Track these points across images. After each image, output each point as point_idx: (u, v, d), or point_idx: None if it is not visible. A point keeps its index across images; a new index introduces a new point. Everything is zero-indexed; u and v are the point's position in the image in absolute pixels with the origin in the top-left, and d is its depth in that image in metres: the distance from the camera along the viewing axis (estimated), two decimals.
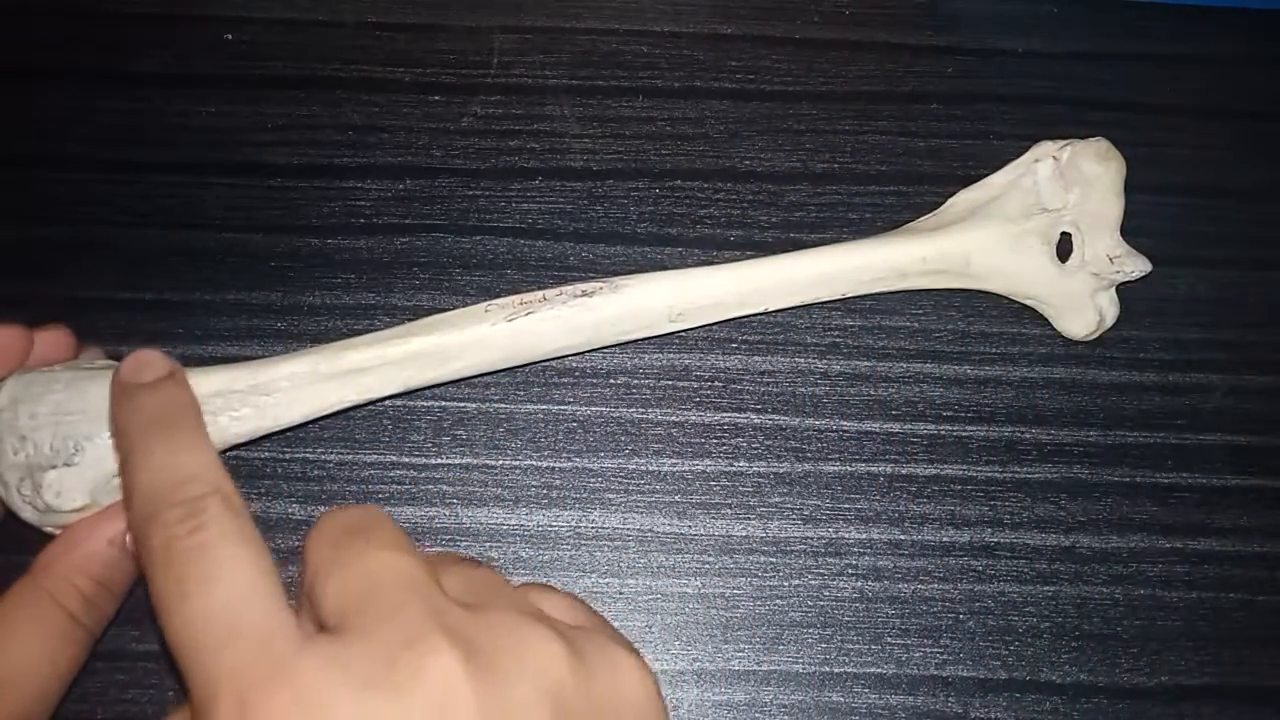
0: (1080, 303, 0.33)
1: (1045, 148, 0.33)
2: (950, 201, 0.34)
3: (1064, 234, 0.33)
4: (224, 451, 0.28)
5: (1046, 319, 0.34)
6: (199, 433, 0.24)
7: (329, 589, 0.20)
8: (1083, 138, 0.33)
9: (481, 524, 0.31)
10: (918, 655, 0.31)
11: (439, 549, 0.24)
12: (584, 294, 0.30)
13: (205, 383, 0.28)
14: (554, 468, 0.32)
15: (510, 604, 0.21)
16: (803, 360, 0.33)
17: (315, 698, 0.18)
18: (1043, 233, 0.32)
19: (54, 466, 0.26)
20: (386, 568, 0.20)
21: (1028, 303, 0.33)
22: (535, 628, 0.20)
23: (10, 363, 0.27)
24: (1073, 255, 0.33)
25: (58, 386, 0.27)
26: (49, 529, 0.27)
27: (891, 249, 0.32)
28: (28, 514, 0.27)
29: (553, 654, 0.20)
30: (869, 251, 0.32)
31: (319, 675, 0.18)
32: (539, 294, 0.30)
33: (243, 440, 0.28)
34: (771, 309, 0.32)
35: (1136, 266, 0.32)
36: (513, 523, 0.32)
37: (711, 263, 0.34)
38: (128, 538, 0.27)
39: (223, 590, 0.20)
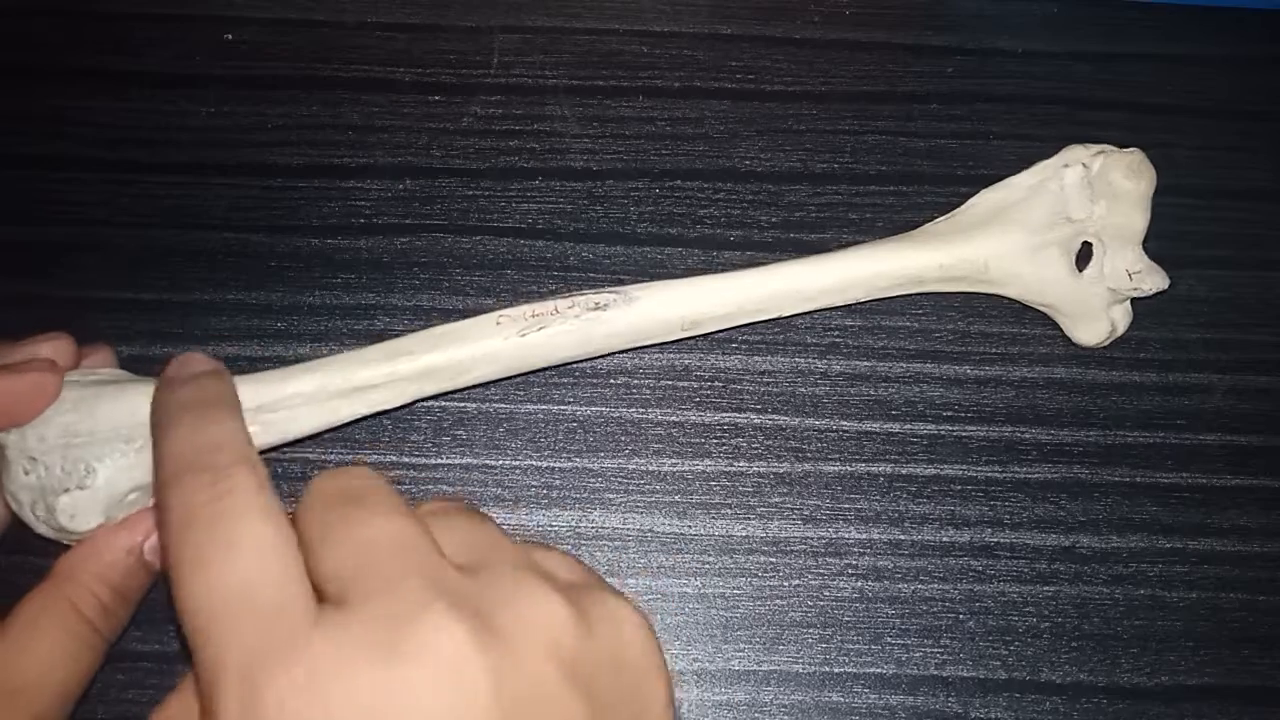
0: (1094, 313, 0.32)
1: (1076, 153, 0.32)
2: (971, 201, 0.33)
3: (1085, 243, 0.32)
4: None
5: (1048, 319, 0.34)
6: (232, 412, 0.24)
7: (326, 557, 0.20)
8: (1116, 143, 0.32)
9: None
10: (918, 655, 0.31)
11: (438, 499, 0.23)
12: (597, 306, 0.29)
13: None
14: (554, 468, 0.32)
15: (508, 560, 0.21)
16: (803, 360, 0.33)
17: (326, 674, 0.18)
18: (1064, 243, 0.32)
19: (67, 490, 0.26)
20: (383, 534, 0.20)
21: (1041, 309, 0.33)
22: (534, 585, 0.20)
23: (48, 399, 0.27)
24: (1091, 265, 0.32)
25: (65, 407, 0.26)
26: (64, 541, 0.27)
27: (910, 256, 0.31)
28: (43, 530, 0.27)
29: (553, 610, 0.20)
30: (887, 258, 0.31)
31: (329, 651, 0.18)
32: (551, 304, 0.29)
33: None
34: (785, 315, 0.31)
35: (1155, 283, 0.32)
36: (513, 523, 0.32)
37: (713, 263, 0.34)
38: (145, 547, 0.27)
39: (242, 560, 0.20)
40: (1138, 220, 0.32)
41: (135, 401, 0.27)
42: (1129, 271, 0.32)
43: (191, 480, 0.21)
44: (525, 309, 0.29)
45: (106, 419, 0.26)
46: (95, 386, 0.27)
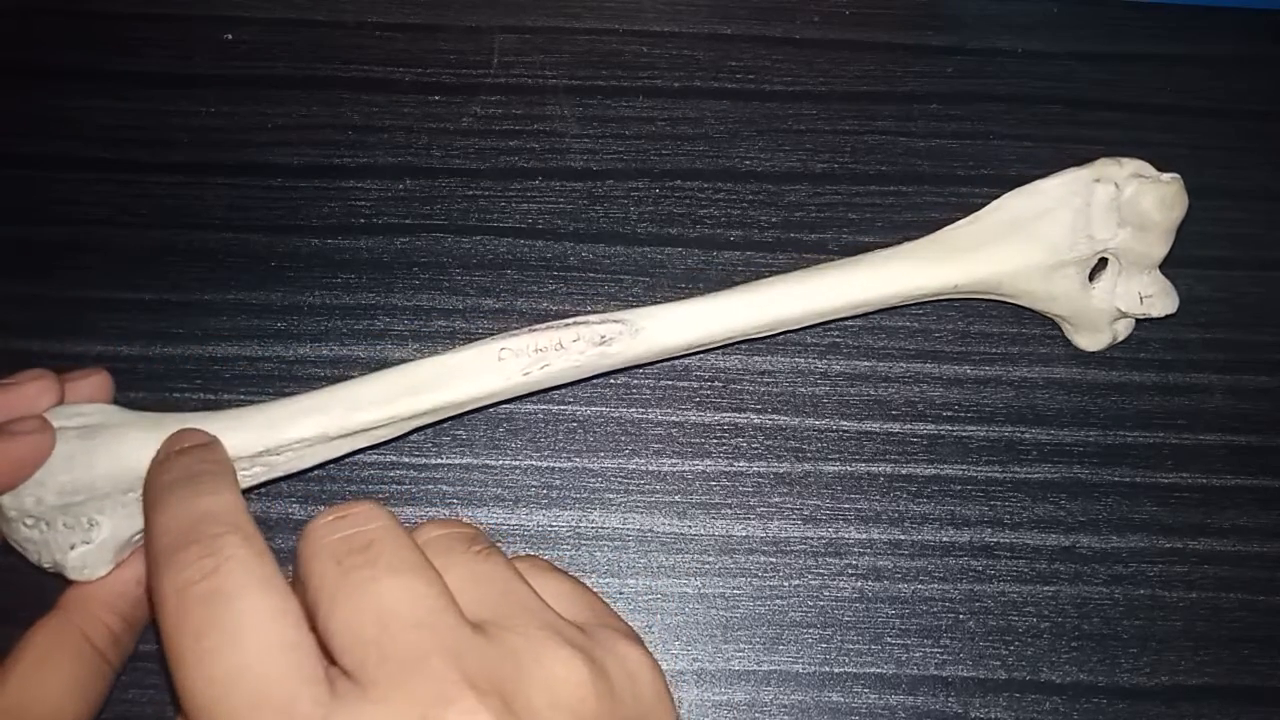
0: (1099, 325, 0.32)
1: (1110, 170, 0.31)
2: (994, 205, 0.31)
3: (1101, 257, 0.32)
4: None
5: (1049, 320, 0.34)
6: (223, 481, 0.23)
7: (338, 621, 0.19)
8: (1120, 149, 0.31)
9: (481, 524, 0.31)
10: (918, 655, 0.31)
11: (438, 521, 0.23)
12: (603, 341, 0.29)
13: None
14: (554, 468, 0.32)
15: (525, 613, 0.21)
16: (803, 360, 0.33)
17: None
18: (1081, 261, 0.31)
19: (73, 546, 0.26)
20: (397, 599, 0.19)
21: (1046, 316, 0.33)
22: (556, 648, 0.20)
23: (42, 460, 0.26)
24: (1103, 280, 0.32)
25: (57, 467, 0.26)
26: None
27: (924, 275, 0.31)
28: (49, 570, 0.27)
29: (578, 678, 0.19)
30: (901, 278, 0.31)
31: None
32: (555, 337, 0.29)
33: (254, 488, 0.28)
34: (793, 330, 0.31)
35: (1164, 307, 0.32)
36: (513, 523, 0.32)
37: (712, 263, 0.34)
38: None
39: (245, 647, 0.19)
40: (1160, 249, 0.31)
41: (129, 451, 0.26)
42: (1141, 295, 0.32)
43: (182, 556, 0.20)
44: (528, 340, 0.29)
45: (104, 473, 0.26)
46: (86, 439, 0.26)
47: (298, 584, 0.21)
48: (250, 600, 0.19)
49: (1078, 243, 0.31)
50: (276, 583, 0.20)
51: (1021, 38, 0.37)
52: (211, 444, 0.25)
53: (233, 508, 0.21)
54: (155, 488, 0.23)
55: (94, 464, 0.26)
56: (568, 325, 0.29)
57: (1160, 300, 0.32)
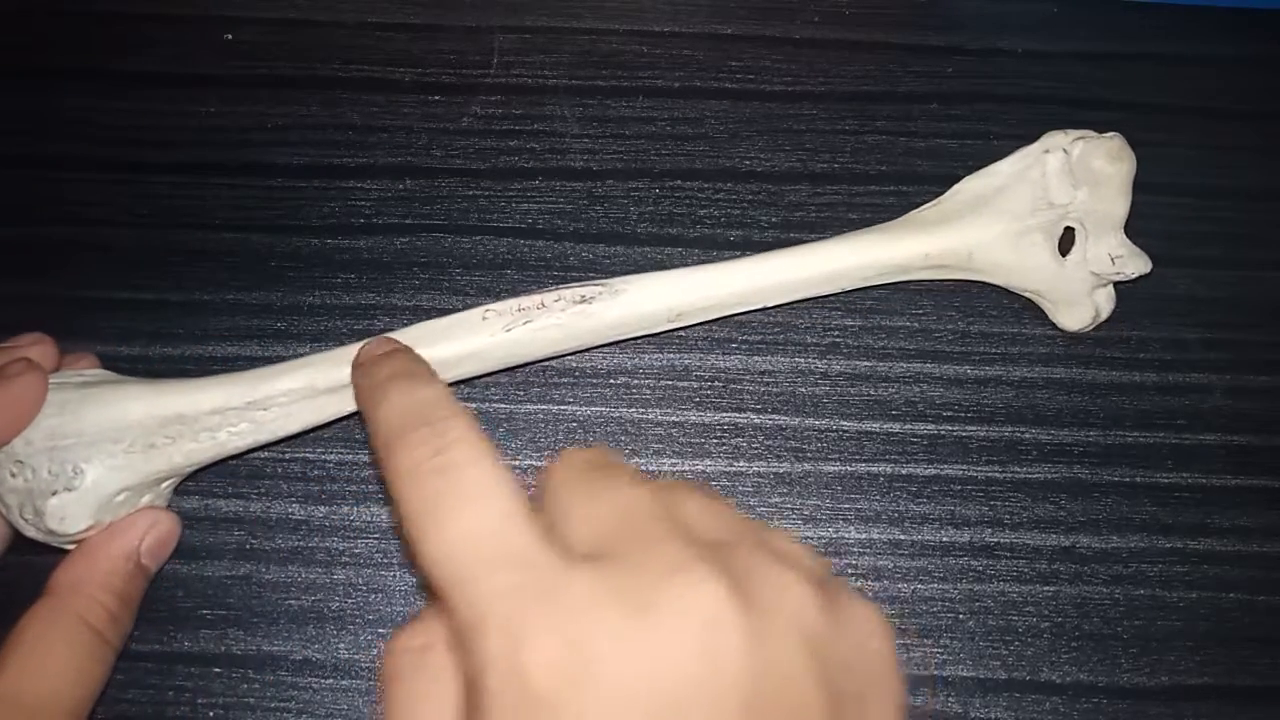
0: (1078, 298, 0.33)
1: (1056, 139, 0.32)
2: (954, 189, 0.33)
3: (1067, 227, 0.33)
4: (223, 461, 0.29)
5: (1047, 318, 0.34)
6: (434, 378, 0.24)
7: (579, 517, 0.20)
8: (1096, 130, 0.32)
9: None
10: (918, 655, 0.31)
11: (671, 479, 0.23)
12: (583, 299, 0.30)
13: (202, 400, 0.27)
14: None
15: (758, 540, 0.21)
16: (803, 360, 0.33)
17: (587, 619, 0.18)
18: (1046, 229, 0.32)
19: (55, 493, 0.26)
20: (640, 500, 0.20)
21: (1025, 295, 0.33)
22: (787, 569, 0.20)
23: (37, 404, 0.27)
24: (1074, 251, 0.32)
25: (50, 410, 0.26)
26: (55, 544, 0.27)
27: (893, 246, 0.32)
28: (32, 533, 0.27)
29: (806, 597, 0.20)
30: (871, 249, 0.32)
31: (589, 597, 0.18)
32: (537, 299, 0.30)
33: (242, 451, 0.28)
34: (771, 305, 0.32)
35: (1137, 267, 0.32)
36: None
37: (710, 262, 0.34)
38: (142, 550, 0.27)
39: (480, 512, 0.20)
40: (1119, 205, 0.32)
41: (122, 402, 0.27)
42: (1111, 256, 0.32)
43: (413, 435, 0.21)
44: (512, 303, 0.29)
45: (93, 421, 0.26)
46: (81, 389, 0.27)
47: (542, 508, 0.21)
48: (483, 469, 0.20)
49: (1038, 209, 0.32)
50: (498, 459, 0.21)
51: (1021, 38, 0.37)
52: (409, 349, 0.26)
53: (450, 398, 0.23)
54: (371, 384, 0.24)
55: (86, 410, 0.26)
56: (550, 290, 0.30)
57: (1131, 260, 0.32)
